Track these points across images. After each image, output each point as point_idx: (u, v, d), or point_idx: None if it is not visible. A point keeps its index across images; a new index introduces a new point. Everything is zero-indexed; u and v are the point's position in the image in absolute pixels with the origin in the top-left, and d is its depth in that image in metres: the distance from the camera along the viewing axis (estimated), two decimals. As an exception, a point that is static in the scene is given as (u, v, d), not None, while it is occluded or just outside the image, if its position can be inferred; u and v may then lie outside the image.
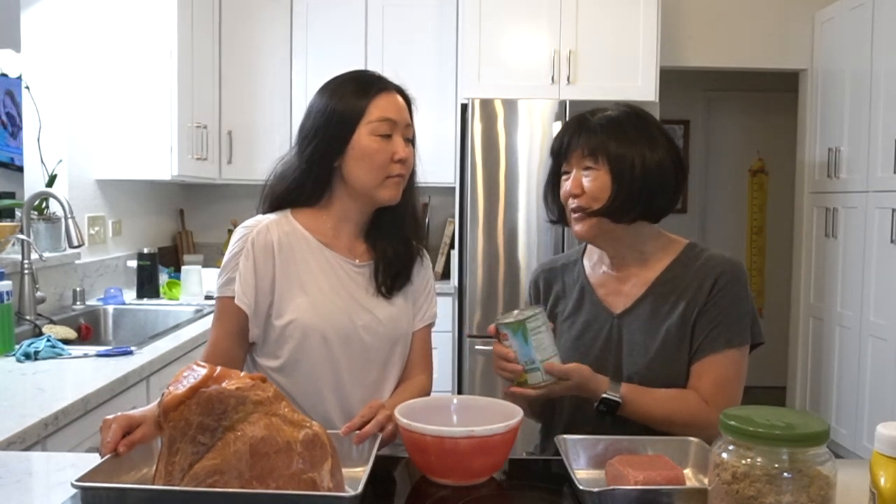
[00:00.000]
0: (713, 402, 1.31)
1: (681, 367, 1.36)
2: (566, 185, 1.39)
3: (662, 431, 1.30)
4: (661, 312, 1.38)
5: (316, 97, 1.39)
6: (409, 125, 1.40)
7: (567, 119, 3.43)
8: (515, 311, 1.28)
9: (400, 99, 1.39)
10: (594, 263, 1.49)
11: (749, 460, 0.83)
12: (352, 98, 1.35)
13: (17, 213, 2.67)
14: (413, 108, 1.43)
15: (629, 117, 1.38)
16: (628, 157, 1.33)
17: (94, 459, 1.03)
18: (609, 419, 1.31)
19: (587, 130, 1.36)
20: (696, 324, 1.35)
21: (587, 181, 1.35)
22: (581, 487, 1.01)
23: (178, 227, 4.10)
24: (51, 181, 2.81)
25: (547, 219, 1.49)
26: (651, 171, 1.33)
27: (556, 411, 1.47)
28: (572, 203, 1.37)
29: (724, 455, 0.85)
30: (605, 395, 1.29)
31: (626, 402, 1.29)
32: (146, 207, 3.67)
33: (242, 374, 0.98)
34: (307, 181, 1.39)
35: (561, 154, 1.40)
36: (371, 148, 1.34)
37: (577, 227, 1.38)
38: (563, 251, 3.45)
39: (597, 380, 1.30)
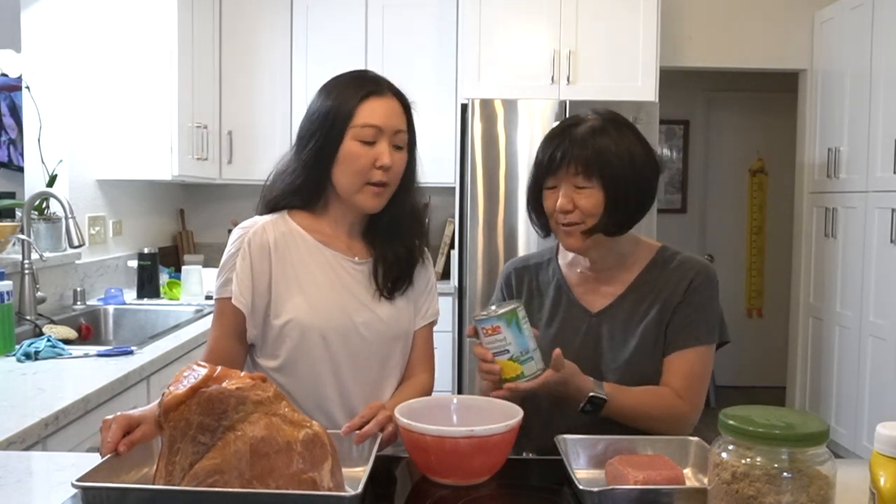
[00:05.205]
0: (683, 395, 1.36)
1: (657, 365, 1.40)
2: (556, 200, 1.37)
3: (639, 429, 1.33)
4: (639, 311, 1.41)
5: (315, 97, 1.39)
6: (401, 132, 1.36)
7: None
8: (493, 307, 1.28)
9: (394, 104, 1.37)
10: (569, 263, 1.51)
11: (749, 460, 0.83)
12: (343, 101, 1.34)
13: (18, 213, 2.67)
14: (413, 112, 1.41)
15: (613, 126, 1.38)
16: (621, 175, 1.34)
17: (95, 459, 1.03)
18: (591, 418, 1.32)
19: (575, 144, 1.35)
20: (670, 321, 1.40)
21: (580, 199, 1.35)
22: (581, 487, 1.01)
23: (178, 227, 4.10)
24: (51, 181, 2.82)
25: (541, 235, 1.49)
26: (641, 184, 1.37)
27: (534, 412, 1.46)
28: (563, 218, 1.38)
29: (724, 455, 0.85)
30: (592, 394, 1.30)
31: (609, 399, 1.31)
32: (146, 207, 3.67)
33: (242, 373, 0.99)
34: (304, 184, 1.38)
35: (550, 168, 1.38)
36: (353, 153, 1.32)
37: (570, 241, 1.40)
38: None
39: (583, 377, 1.31)
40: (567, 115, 3.45)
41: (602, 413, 1.31)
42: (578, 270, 1.49)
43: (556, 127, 1.42)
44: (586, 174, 1.34)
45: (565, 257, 1.53)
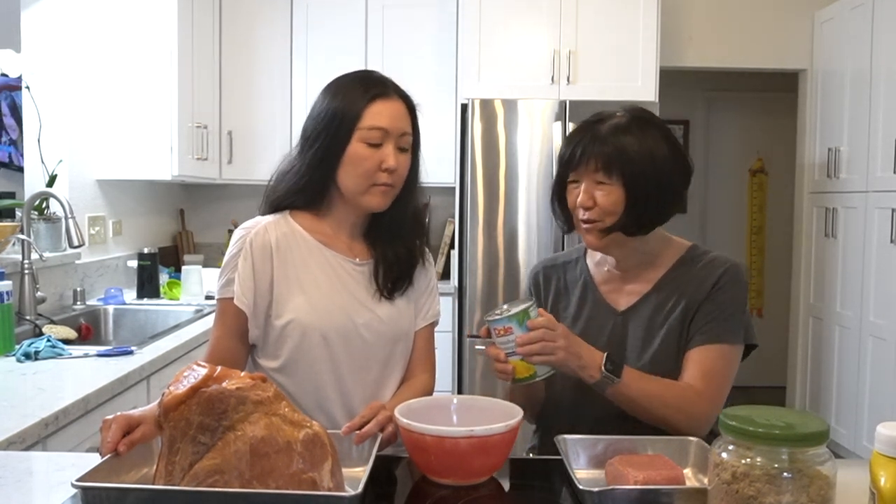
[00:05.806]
0: (701, 391, 1.33)
1: (680, 364, 1.37)
2: (578, 195, 1.38)
3: (656, 418, 1.30)
4: (664, 310, 1.40)
5: (319, 97, 1.39)
6: (406, 134, 1.37)
7: (567, 119, 3.46)
8: (505, 306, 1.27)
9: (400, 106, 1.37)
10: (598, 262, 1.51)
11: (749, 460, 0.83)
12: (350, 102, 1.34)
13: (18, 213, 2.67)
14: (418, 113, 1.41)
15: (637, 124, 1.37)
16: (641, 173, 1.33)
17: (95, 459, 1.03)
18: (608, 383, 1.28)
19: (597, 141, 1.35)
20: (693, 318, 1.37)
21: (600, 196, 1.35)
22: (581, 487, 1.01)
23: (178, 227, 4.10)
24: (51, 181, 2.81)
25: (563, 231, 1.48)
26: (663, 183, 1.35)
27: (556, 411, 1.47)
28: (583, 214, 1.37)
29: (724, 455, 0.85)
30: (607, 356, 1.27)
31: (624, 372, 1.28)
32: (146, 207, 3.67)
33: (243, 373, 0.99)
34: (308, 185, 1.38)
35: (570, 163, 1.38)
36: (359, 155, 1.33)
37: (589, 238, 1.39)
38: (563, 250, 3.46)
39: (586, 346, 1.28)
40: (567, 115, 3.48)
41: (617, 387, 1.27)
42: (605, 269, 1.48)
43: (582, 122, 1.42)
44: (606, 171, 1.34)
45: (593, 256, 1.52)
